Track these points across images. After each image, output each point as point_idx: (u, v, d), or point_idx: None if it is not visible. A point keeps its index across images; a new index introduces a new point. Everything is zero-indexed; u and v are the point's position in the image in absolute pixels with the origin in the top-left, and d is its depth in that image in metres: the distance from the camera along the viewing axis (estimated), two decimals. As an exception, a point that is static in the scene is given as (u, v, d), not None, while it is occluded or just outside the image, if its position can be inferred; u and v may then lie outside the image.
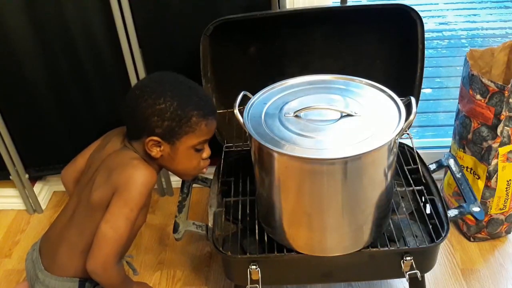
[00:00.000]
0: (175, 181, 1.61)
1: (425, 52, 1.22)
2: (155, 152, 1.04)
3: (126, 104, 1.05)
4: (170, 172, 1.58)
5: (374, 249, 1.00)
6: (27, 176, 1.54)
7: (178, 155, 1.05)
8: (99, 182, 1.04)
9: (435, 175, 1.18)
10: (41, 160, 1.53)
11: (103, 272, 1.02)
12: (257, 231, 1.06)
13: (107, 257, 1.01)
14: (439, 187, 1.14)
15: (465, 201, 1.06)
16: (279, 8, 1.29)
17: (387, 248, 1.01)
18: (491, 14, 2.97)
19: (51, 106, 1.42)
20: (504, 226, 1.36)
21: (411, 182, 1.17)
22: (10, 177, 1.52)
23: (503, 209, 1.32)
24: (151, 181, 1.04)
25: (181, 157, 1.06)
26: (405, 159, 1.22)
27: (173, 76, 1.07)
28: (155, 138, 1.02)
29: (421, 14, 1.17)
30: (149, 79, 1.10)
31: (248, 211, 1.12)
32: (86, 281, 1.10)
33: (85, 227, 1.06)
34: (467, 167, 1.31)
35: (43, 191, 1.64)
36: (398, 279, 1.26)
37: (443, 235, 1.01)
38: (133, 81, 1.37)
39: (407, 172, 1.19)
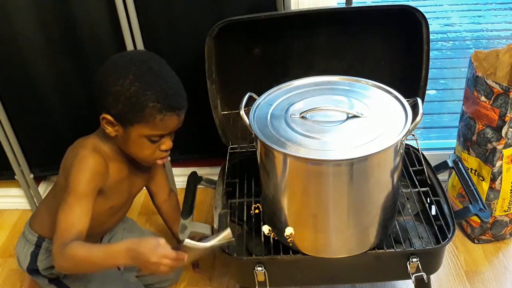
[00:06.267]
0: (180, 182, 1.61)
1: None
2: (109, 130, 1.02)
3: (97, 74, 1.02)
4: (173, 173, 1.58)
5: (380, 251, 1.00)
6: (31, 176, 1.54)
7: (131, 140, 1.02)
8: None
9: (439, 177, 1.17)
10: (45, 160, 1.54)
11: (59, 256, 0.97)
12: (262, 232, 1.06)
13: (59, 246, 0.96)
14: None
15: (471, 203, 1.05)
16: (283, 9, 1.29)
17: (393, 250, 1.01)
18: (495, 16, 2.96)
19: (56, 106, 1.43)
20: (508, 228, 1.36)
21: (417, 183, 1.17)
22: (15, 177, 1.53)
23: (507, 211, 1.31)
24: (93, 166, 1.02)
25: (133, 143, 1.02)
26: (410, 160, 1.22)
27: (147, 58, 1.01)
28: (108, 117, 0.99)
29: (425, 15, 1.16)
30: (121, 56, 1.04)
31: (253, 213, 1.11)
32: (44, 240, 1.16)
33: (57, 191, 1.12)
34: (471, 169, 1.31)
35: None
36: (402, 281, 1.26)
37: (449, 236, 1.01)
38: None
39: (412, 173, 1.19)
